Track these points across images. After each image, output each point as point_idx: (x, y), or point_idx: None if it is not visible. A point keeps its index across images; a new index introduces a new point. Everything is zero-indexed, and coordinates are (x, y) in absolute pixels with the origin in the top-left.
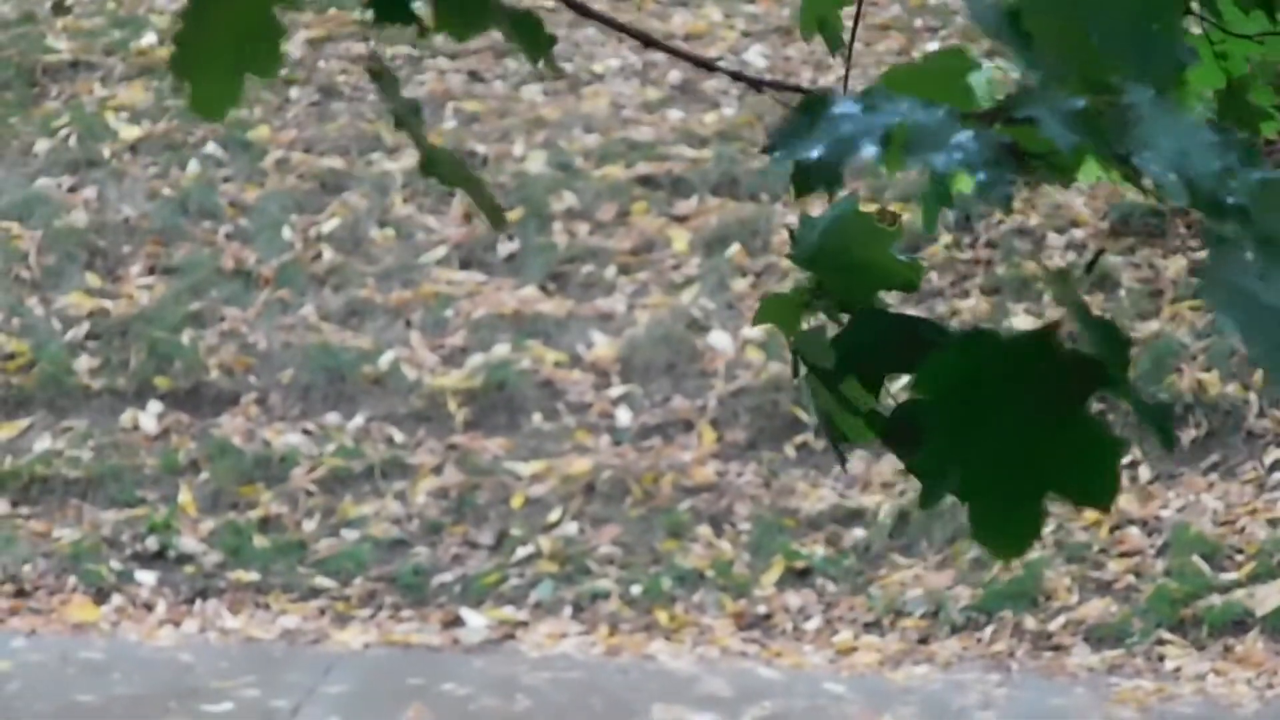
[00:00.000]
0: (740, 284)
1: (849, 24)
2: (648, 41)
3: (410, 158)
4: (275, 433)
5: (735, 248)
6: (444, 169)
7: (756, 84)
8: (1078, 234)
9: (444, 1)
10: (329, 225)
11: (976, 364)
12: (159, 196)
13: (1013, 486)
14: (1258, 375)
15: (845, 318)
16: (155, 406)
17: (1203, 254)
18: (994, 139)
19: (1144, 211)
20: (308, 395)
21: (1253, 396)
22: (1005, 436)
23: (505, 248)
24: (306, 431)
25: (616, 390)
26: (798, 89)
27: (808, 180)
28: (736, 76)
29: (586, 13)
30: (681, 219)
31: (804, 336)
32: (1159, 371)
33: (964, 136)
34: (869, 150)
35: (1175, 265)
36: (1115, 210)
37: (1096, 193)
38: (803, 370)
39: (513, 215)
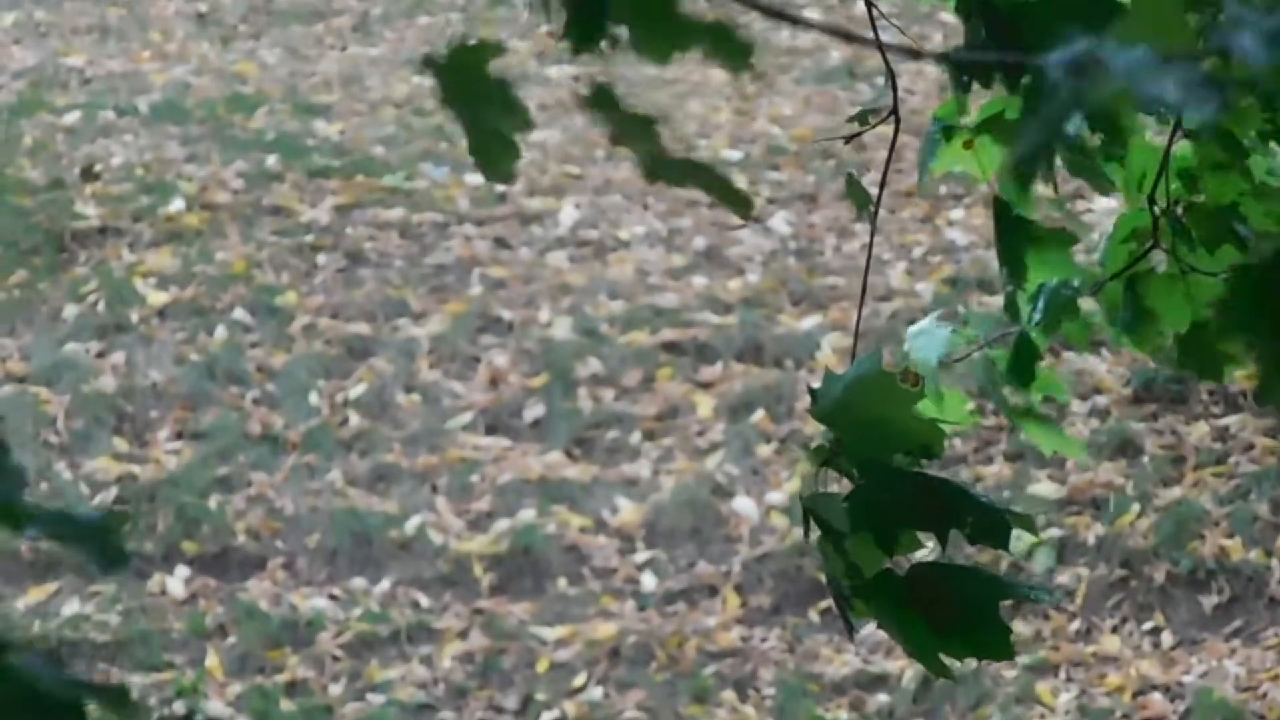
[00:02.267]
0: (764, 450)
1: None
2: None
3: (436, 323)
4: (302, 597)
5: (760, 413)
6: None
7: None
8: (1100, 400)
9: (642, 26)
10: (356, 390)
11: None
12: (186, 361)
13: None
14: None
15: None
16: (183, 571)
17: (1227, 420)
18: (1194, 66)
19: (1166, 378)
20: (334, 560)
21: (1275, 563)
22: None
23: (531, 413)
24: (333, 596)
25: (641, 555)
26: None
27: (1031, 164)
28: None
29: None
30: (706, 385)
31: (816, 496)
32: (1182, 537)
33: (1168, 65)
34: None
35: (1198, 431)
36: (1138, 377)
37: (1120, 359)
38: (815, 532)
39: (537, 381)
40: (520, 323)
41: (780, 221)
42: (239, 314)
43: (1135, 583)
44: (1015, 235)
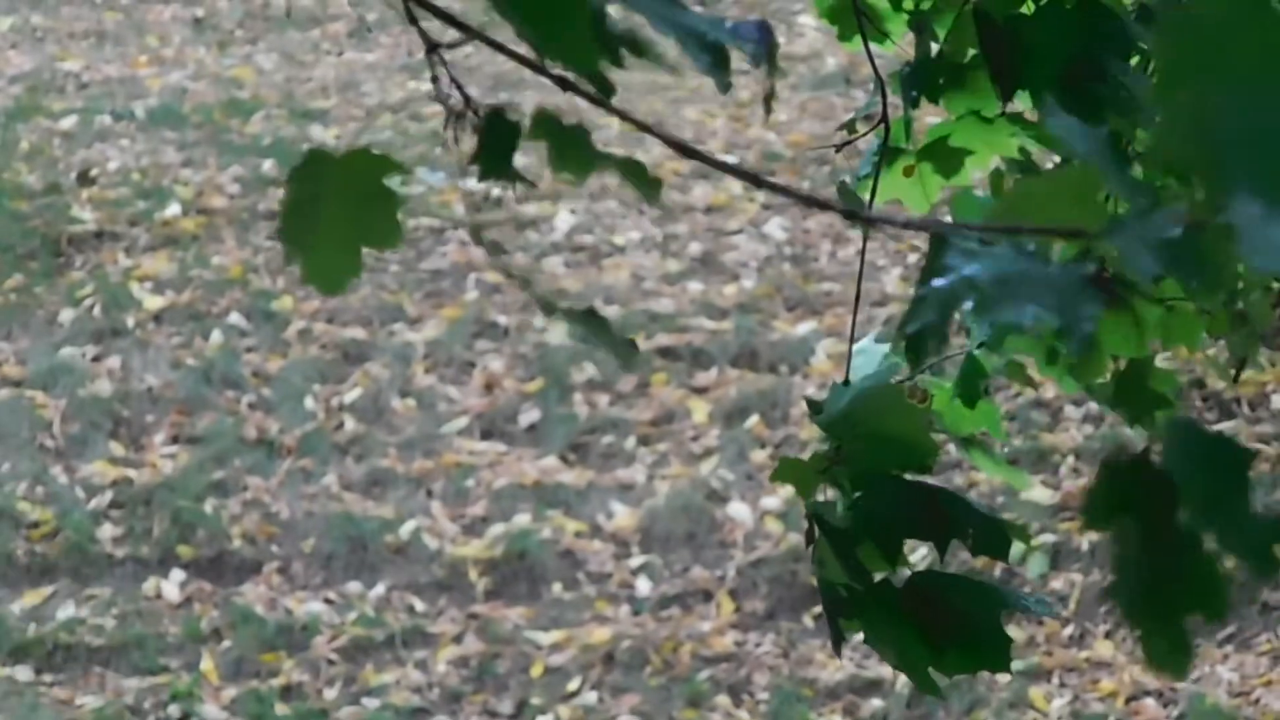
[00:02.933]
0: (759, 455)
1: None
2: (759, 182)
3: (432, 328)
4: (297, 601)
5: (754, 419)
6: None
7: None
8: (1094, 407)
9: (558, 152)
10: (351, 395)
11: (1109, 492)
12: (182, 366)
13: (1154, 610)
14: (1275, 551)
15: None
16: (178, 575)
17: (1221, 425)
18: (1078, 273)
19: None
20: (329, 564)
21: None
22: (1138, 564)
23: (526, 418)
24: (328, 600)
25: (636, 560)
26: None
27: (922, 348)
28: (849, 215)
29: (684, 149)
30: (701, 390)
31: (820, 503)
32: None
33: (1047, 275)
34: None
35: None
36: None
37: (1116, 364)
38: (817, 534)
39: (533, 386)
40: (516, 328)
41: (775, 227)
42: (235, 318)
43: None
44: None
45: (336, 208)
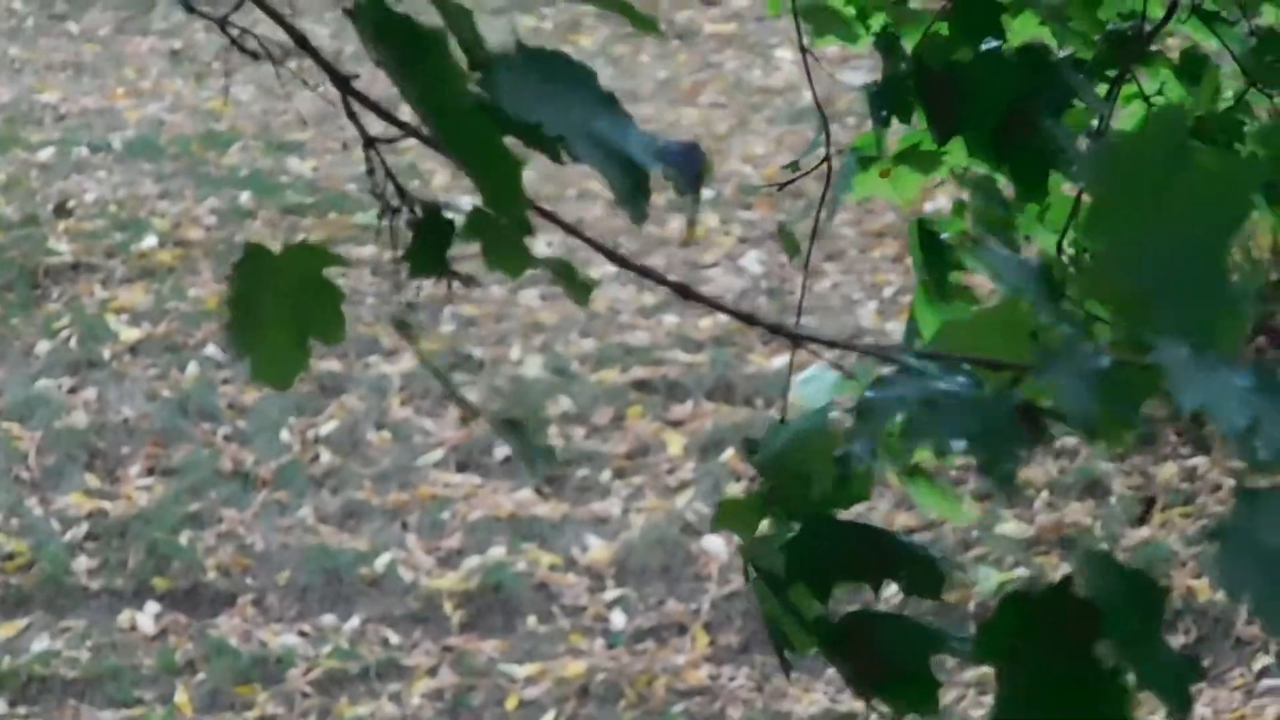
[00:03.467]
0: (735, 488)
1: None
2: (686, 294)
3: (408, 361)
4: (272, 633)
5: (729, 452)
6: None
7: (789, 335)
8: (1069, 440)
9: (491, 252)
10: (327, 427)
11: (1017, 623)
12: (158, 398)
13: None
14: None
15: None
16: (153, 607)
17: (1195, 460)
18: (1004, 407)
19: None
20: (305, 596)
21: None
22: (1046, 689)
23: (501, 450)
24: (303, 633)
25: (611, 593)
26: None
27: (847, 467)
28: (775, 329)
29: (625, 263)
30: (676, 423)
31: (755, 542)
32: None
33: (976, 406)
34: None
35: (1166, 472)
36: None
37: None
38: (753, 574)
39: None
40: (491, 360)
41: (752, 260)
42: (211, 350)
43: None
44: (921, 301)
45: (279, 303)
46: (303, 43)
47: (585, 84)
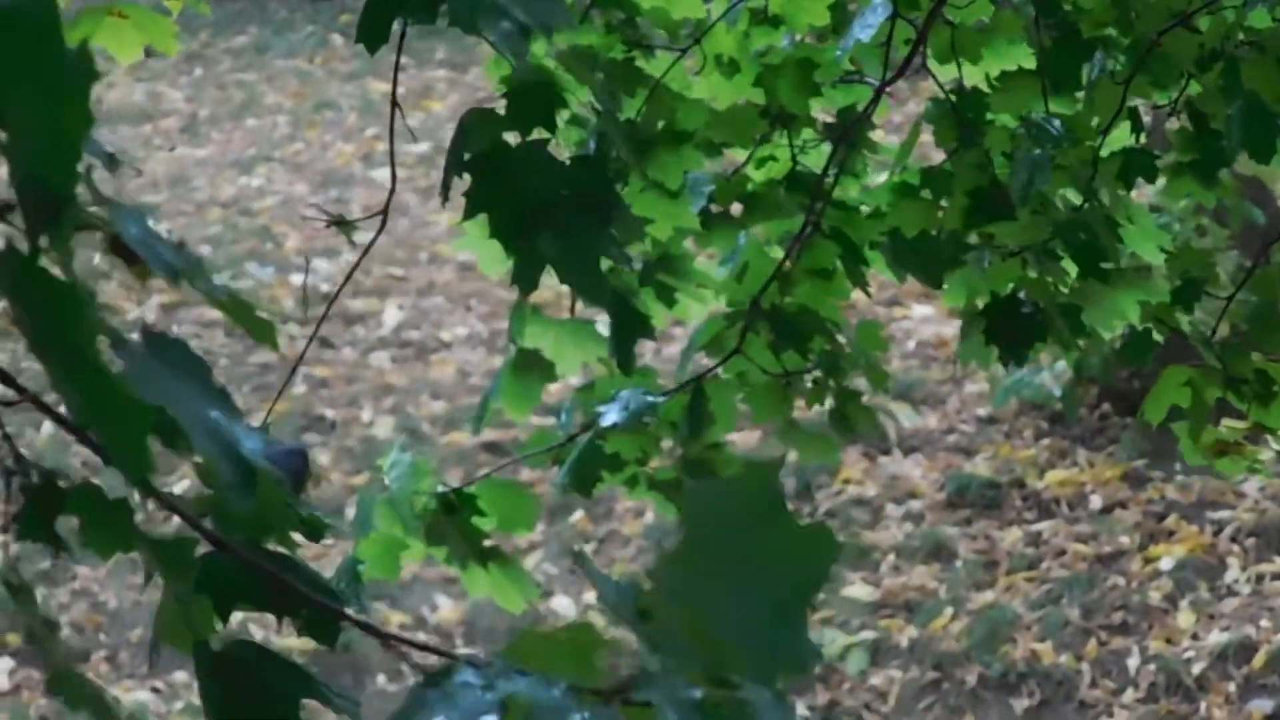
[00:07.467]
0: (587, 549)
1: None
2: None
3: (259, 422)
4: (124, 689)
5: (579, 514)
6: (71, 690)
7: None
8: (915, 505)
9: (89, 528)
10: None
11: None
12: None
13: None
14: (1090, 646)
15: None
16: (6, 663)
17: (1039, 525)
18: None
19: (980, 484)
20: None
21: (1085, 667)
22: None
23: (352, 511)
24: (155, 689)
25: (460, 653)
26: None
27: None
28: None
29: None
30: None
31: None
32: (993, 641)
33: (581, 716)
34: None
35: (1011, 536)
36: (952, 481)
37: (935, 464)
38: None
39: (359, 479)
40: (343, 421)
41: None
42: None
43: (947, 685)
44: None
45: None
46: None
47: (200, 376)
